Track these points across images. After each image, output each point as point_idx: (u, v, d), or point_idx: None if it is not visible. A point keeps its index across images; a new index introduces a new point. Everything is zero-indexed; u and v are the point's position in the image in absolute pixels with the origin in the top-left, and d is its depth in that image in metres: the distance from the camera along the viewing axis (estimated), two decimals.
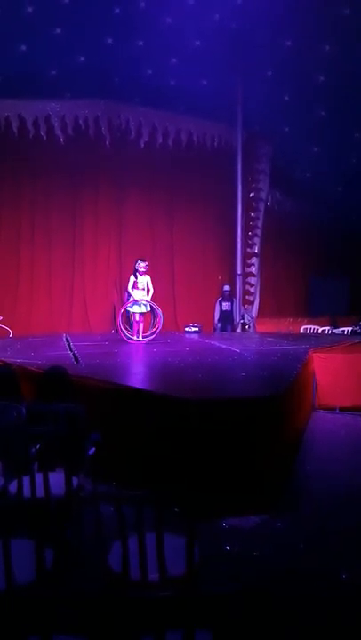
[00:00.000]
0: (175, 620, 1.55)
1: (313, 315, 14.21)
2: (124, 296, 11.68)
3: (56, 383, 4.17)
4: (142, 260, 9.33)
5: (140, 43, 11.29)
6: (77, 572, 2.87)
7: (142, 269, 9.21)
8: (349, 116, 12.88)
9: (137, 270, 9.24)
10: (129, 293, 9.46)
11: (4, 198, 12.07)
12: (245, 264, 13.34)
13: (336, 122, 13.00)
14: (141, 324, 9.27)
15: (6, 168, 11.86)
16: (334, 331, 11.99)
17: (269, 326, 13.05)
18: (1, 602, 1.56)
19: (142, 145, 12.35)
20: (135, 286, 9.20)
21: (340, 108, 12.71)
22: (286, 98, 12.81)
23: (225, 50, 11.29)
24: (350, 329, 11.93)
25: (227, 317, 12.97)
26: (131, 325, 9.78)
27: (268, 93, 12.36)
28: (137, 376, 6.31)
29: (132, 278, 9.25)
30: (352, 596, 2.97)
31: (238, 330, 12.78)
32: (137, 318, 9.25)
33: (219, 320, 13.01)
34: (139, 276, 9.20)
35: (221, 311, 12.97)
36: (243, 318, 12.88)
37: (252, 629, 1.55)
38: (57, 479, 3.05)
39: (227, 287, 13.02)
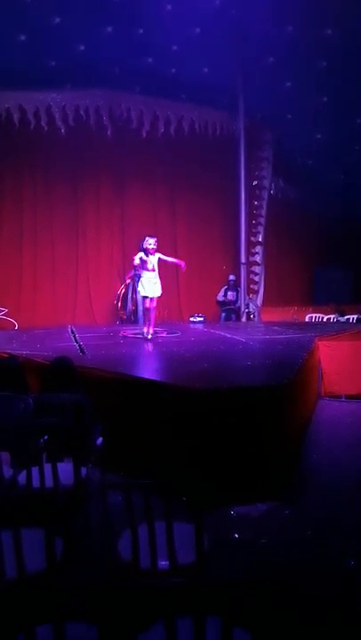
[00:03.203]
0: (185, 607, 1.56)
1: (317, 303, 14.17)
2: (128, 274, 11.52)
3: (62, 374, 4.18)
4: (151, 237, 7.99)
5: (140, 31, 11.18)
6: (87, 560, 2.89)
7: (152, 247, 7.85)
8: (352, 101, 12.77)
9: (146, 249, 7.86)
10: (136, 269, 8.33)
11: (6, 190, 12.03)
12: (250, 253, 13.28)
13: (338, 108, 12.89)
14: (153, 313, 8.17)
15: (7, 160, 11.81)
16: (340, 319, 11.94)
17: (274, 315, 13.02)
18: (13, 590, 1.57)
19: (144, 134, 12.25)
20: (145, 267, 7.87)
21: (343, 93, 12.59)
22: (288, 84, 12.70)
23: (226, 37, 11.18)
24: (356, 317, 11.89)
25: (232, 306, 12.92)
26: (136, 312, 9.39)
27: (269, 80, 12.24)
28: (143, 366, 6.32)
29: (140, 254, 7.85)
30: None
31: (243, 319, 12.75)
32: (147, 305, 8.12)
33: (223, 309, 12.97)
34: (149, 255, 7.85)
35: (226, 300, 12.91)
36: (247, 307, 12.85)
37: (260, 616, 1.57)
38: (65, 469, 3.07)
39: (232, 277, 12.97)
